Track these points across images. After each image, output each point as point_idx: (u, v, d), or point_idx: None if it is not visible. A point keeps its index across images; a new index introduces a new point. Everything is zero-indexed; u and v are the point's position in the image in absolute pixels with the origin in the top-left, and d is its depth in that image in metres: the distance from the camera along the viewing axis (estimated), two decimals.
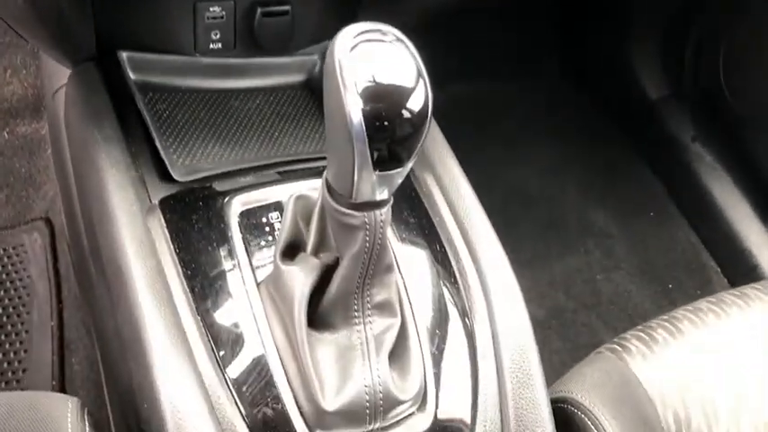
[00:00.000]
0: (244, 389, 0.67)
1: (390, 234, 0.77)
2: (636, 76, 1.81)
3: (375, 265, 0.64)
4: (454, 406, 0.72)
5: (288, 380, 0.67)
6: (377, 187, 0.59)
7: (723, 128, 1.68)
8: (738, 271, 1.60)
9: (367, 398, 0.65)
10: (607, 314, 1.58)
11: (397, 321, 0.69)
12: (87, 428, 0.69)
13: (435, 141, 0.90)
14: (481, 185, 0.89)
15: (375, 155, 0.56)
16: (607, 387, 0.86)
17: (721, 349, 0.91)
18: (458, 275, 0.78)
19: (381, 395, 0.65)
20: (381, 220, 0.61)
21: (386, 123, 0.55)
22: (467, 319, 0.76)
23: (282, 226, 0.69)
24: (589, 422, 0.82)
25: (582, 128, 1.85)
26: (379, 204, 0.60)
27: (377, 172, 0.57)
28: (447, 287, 0.77)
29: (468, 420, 0.72)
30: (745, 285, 1.03)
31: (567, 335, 1.55)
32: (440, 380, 0.72)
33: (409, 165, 0.59)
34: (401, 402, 0.67)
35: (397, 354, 0.69)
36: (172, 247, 0.73)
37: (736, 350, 0.91)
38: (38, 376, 1.18)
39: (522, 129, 1.80)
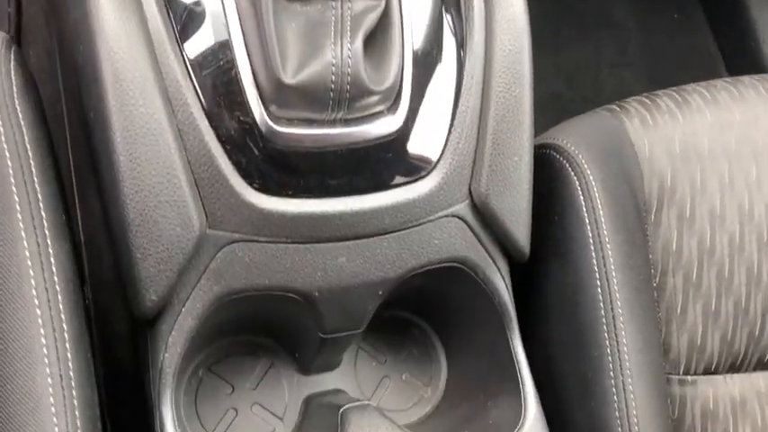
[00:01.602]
0: (194, 46, 0.59)
1: None
2: None
3: None
4: (429, 114, 0.64)
5: (245, 44, 0.59)
6: None
7: None
8: None
9: (333, 78, 0.57)
10: None
11: (380, 4, 0.60)
12: (12, 61, 0.61)
13: None
14: None
15: None
16: (596, 140, 0.79)
17: (725, 129, 0.83)
18: None
19: (350, 78, 0.58)
20: None
21: None
22: (462, 30, 0.67)
23: None
24: (570, 169, 0.76)
25: None
26: None
27: None
28: None
29: (442, 132, 0.65)
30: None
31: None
32: (419, 84, 0.64)
33: None
34: (371, 93, 0.60)
35: (375, 42, 0.60)
36: None
37: (741, 133, 0.83)
38: None
39: None
